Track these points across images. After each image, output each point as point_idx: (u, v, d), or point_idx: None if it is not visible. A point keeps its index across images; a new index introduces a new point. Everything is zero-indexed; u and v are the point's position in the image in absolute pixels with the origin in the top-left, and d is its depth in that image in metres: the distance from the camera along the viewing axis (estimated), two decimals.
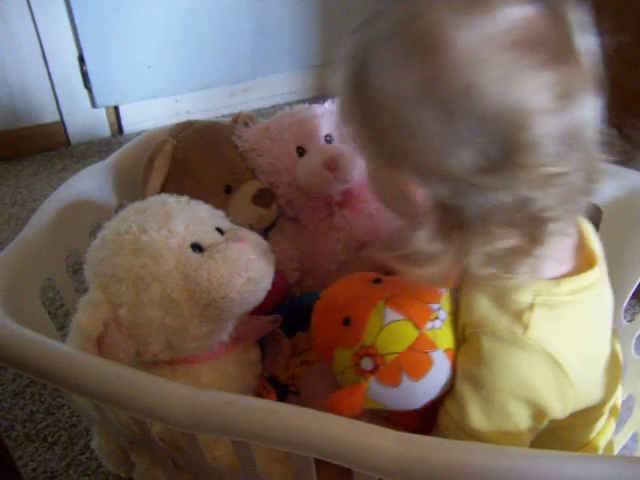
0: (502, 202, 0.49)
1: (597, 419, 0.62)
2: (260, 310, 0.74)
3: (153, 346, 0.67)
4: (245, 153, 0.93)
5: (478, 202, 0.50)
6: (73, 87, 1.66)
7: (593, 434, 0.63)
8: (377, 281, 0.62)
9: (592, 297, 0.57)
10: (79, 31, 1.58)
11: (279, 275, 0.88)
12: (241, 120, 0.98)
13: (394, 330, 0.57)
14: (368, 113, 0.52)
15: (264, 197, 0.91)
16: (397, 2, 0.51)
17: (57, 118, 1.69)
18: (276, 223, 0.97)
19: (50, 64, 1.61)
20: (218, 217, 0.74)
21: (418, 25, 0.48)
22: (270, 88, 1.85)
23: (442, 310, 0.58)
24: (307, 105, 0.98)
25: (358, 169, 0.92)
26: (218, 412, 0.54)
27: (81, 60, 1.63)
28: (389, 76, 0.49)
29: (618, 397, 0.70)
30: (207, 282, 0.65)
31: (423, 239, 0.52)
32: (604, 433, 0.65)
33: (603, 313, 0.61)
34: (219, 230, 0.71)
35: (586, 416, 0.60)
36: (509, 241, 0.51)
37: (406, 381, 0.56)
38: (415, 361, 0.56)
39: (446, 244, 0.52)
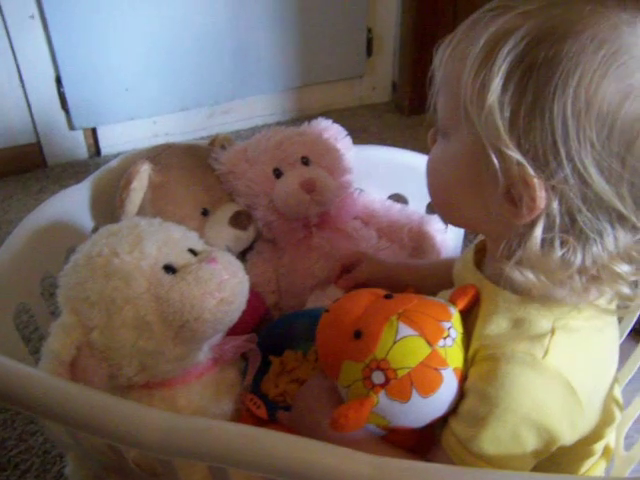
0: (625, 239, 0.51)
1: (592, 453, 0.62)
2: (237, 331, 0.74)
3: (127, 369, 0.66)
4: (222, 176, 0.94)
5: (602, 231, 0.50)
6: (50, 109, 1.65)
7: (582, 470, 0.63)
8: (388, 297, 0.62)
9: (605, 323, 0.58)
10: (56, 53, 1.58)
11: (256, 297, 0.88)
12: (218, 142, 0.98)
13: (407, 345, 0.57)
14: (540, 97, 0.48)
15: (241, 219, 0.91)
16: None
17: (33, 140, 1.68)
18: (254, 246, 0.97)
19: (27, 85, 1.60)
20: (191, 238, 0.73)
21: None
22: (249, 110, 1.86)
23: (453, 329, 0.58)
24: (284, 127, 0.99)
25: (334, 191, 0.92)
26: (194, 438, 0.54)
27: (58, 82, 1.62)
28: (585, 70, 0.47)
29: (612, 439, 0.70)
30: (180, 303, 0.64)
31: (537, 238, 0.51)
32: (591, 472, 0.65)
33: (613, 339, 0.61)
34: (192, 251, 0.71)
35: (583, 446, 0.60)
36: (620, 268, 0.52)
37: (415, 397, 0.56)
38: (426, 377, 0.56)
39: (551, 250, 0.51)
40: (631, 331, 0.79)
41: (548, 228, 0.51)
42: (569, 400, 0.54)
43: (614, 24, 0.48)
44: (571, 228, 0.51)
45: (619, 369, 0.78)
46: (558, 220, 0.50)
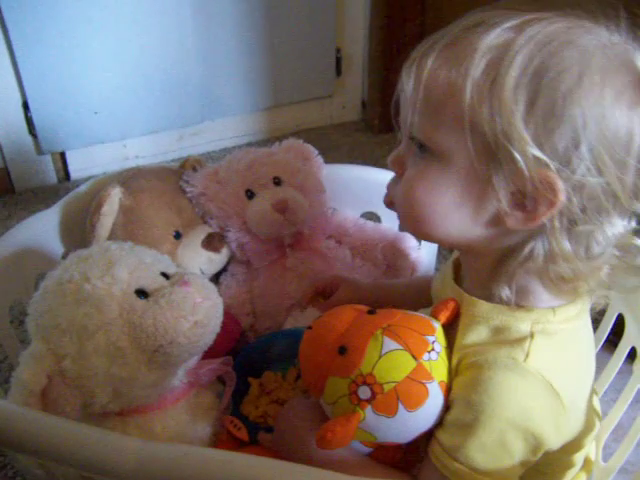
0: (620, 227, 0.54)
1: (573, 463, 0.63)
2: (213, 354, 0.73)
3: (100, 397, 0.65)
4: (194, 198, 0.93)
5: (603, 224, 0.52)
6: (17, 134, 1.63)
7: None
8: (371, 312, 0.62)
9: (581, 326, 0.59)
10: (23, 77, 1.56)
11: (231, 319, 0.87)
12: (189, 165, 0.98)
13: (392, 359, 0.57)
14: (552, 101, 0.50)
15: (214, 241, 0.91)
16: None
17: (1, 165, 1.66)
18: (227, 268, 0.96)
19: None
20: (163, 262, 0.73)
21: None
22: (219, 131, 1.85)
23: (437, 343, 0.58)
24: (255, 148, 0.99)
25: (307, 210, 0.92)
26: (170, 465, 0.53)
27: (25, 106, 1.60)
28: (588, 74, 0.50)
29: (591, 450, 0.71)
30: (153, 328, 0.64)
31: (561, 235, 0.52)
32: None
33: (589, 345, 0.62)
34: (165, 275, 0.70)
35: (565, 456, 0.61)
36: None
37: (402, 411, 0.56)
38: (412, 391, 0.56)
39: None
40: (606, 341, 0.80)
41: (567, 222, 0.52)
42: (552, 402, 0.55)
43: (597, 35, 0.52)
44: (584, 219, 0.52)
45: (595, 379, 0.79)
46: (575, 214, 0.51)
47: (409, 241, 1.00)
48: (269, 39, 1.79)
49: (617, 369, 0.77)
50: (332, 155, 1.08)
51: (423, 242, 1.01)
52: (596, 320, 0.81)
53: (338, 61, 1.91)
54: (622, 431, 0.75)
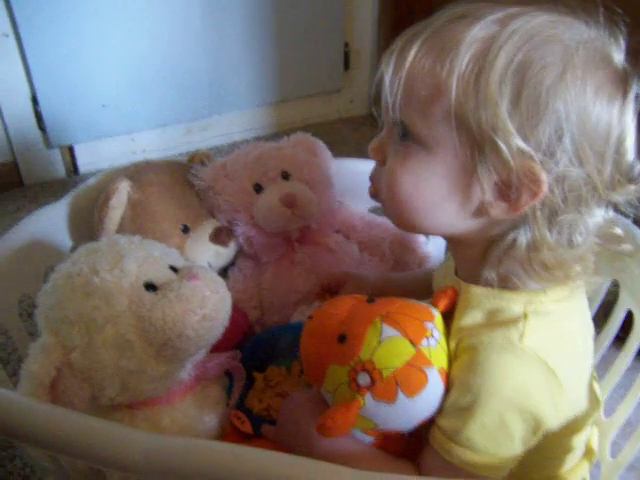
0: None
1: (572, 447, 0.63)
2: (221, 347, 0.73)
3: (109, 390, 0.65)
4: (202, 192, 0.93)
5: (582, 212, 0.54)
6: (26, 127, 1.64)
7: (565, 467, 0.64)
8: (370, 300, 0.62)
9: (574, 306, 0.60)
10: (32, 71, 1.57)
11: (239, 312, 0.88)
12: (197, 159, 0.98)
13: (391, 345, 0.57)
14: (534, 98, 0.50)
15: (222, 236, 0.91)
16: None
17: (10, 159, 1.66)
18: (235, 262, 0.96)
19: (2, 105, 1.58)
20: (172, 255, 0.73)
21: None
22: (227, 125, 1.86)
23: (436, 330, 0.58)
24: (263, 142, 0.99)
25: (315, 205, 0.92)
26: (177, 458, 0.53)
27: (34, 100, 1.61)
28: (569, 68, 0.51)
29: (594, 439, 0.71)
30: (162, 321, 0.64)
31: (543, 225, 0.54)
32: (576, 471, 0.65)
33: (585, 327, 0.62)
34: (173, 268, 0.70)
35: (564, 438, 0.61)
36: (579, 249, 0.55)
37: (401, 398, 0.56)
38: (411, 377, 0.56)
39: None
40: (614, 338, 0.79)
41: (549, 212, 0.53)
42: (549, 381, 0.55)
43: (578, 30, 0.53)
44: (564, 209, 0.53)
45: (603, 376, 0.79)
46: (556, 204, 0.53)
47: (417, 236, 1.00)
48: (277, 33, 1.79)
49: (626, 366, 0.77)
50: (340, 149, 1.07)
51: (431, 237, 1.01)
52: (605, 317, 0.81)
53: (346, 55, 1.91)
54: (630, 428, 0.75)
